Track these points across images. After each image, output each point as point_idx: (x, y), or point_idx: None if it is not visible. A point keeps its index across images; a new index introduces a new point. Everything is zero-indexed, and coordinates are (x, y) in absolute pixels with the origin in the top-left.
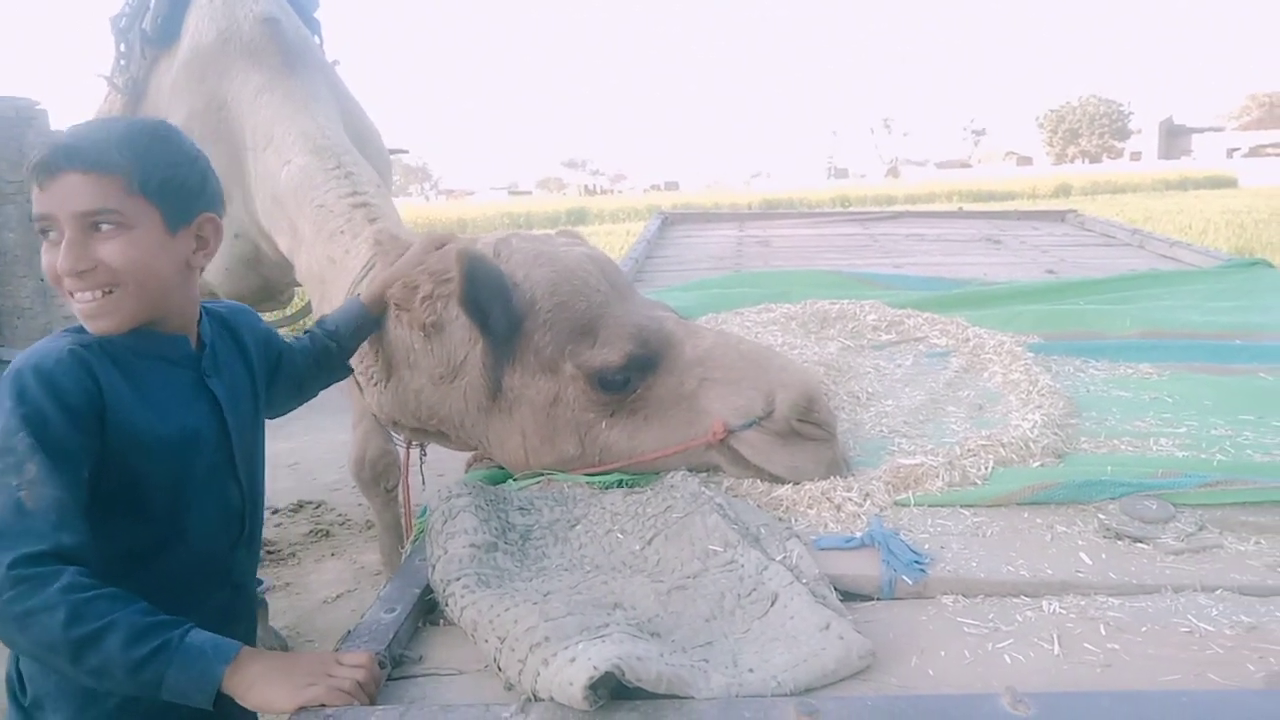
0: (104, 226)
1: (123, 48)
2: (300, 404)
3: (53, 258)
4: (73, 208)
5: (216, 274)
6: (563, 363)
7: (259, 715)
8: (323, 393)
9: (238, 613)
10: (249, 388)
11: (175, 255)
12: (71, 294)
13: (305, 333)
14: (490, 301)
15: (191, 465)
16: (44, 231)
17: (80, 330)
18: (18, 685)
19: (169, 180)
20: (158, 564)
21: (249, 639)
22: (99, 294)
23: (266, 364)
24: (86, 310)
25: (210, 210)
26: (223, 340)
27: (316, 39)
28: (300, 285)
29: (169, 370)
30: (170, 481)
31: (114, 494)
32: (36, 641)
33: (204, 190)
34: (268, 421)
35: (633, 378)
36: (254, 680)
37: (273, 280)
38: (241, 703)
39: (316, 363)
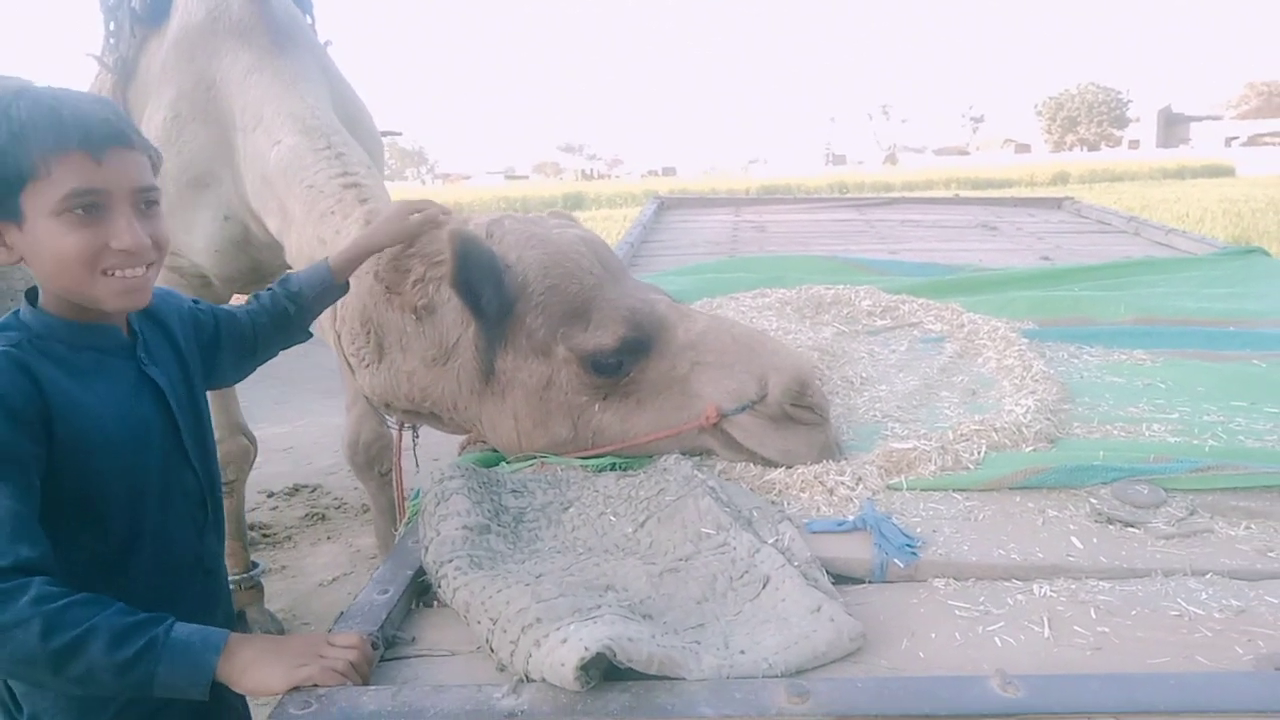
0: (150, 204)
1: (112, 26)
2: (255, 367)
3: (95, 235)
4: (134, 184)
5: (207, 256)
6: (555, 345)
7: (247, 699)
8: (317, 376)
9: (214, 598)
10: (181, 372)
11: None
12: (110, 272)
13: (266, 290)
14: (482, 283)
15: (145, 457)
16: (89, 207)
17: (3, 328)
18: (11, 702)
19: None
20: (132, 564)
21: (228, 623)
22: (143, 269)
23: (199, 342)
24: (131, 285)
25: None
26: (148, 327)
27: (308, 19)
28: (291, 267)
29: (108, 361)
30: (127, 476)
31: (73, 501)
32: (12, 658)
33: None
34: (261, 407)
35: (625, 361)
36: (246, 665)
37: (263, 262)
38: (235, 688)
39: (271, 324)
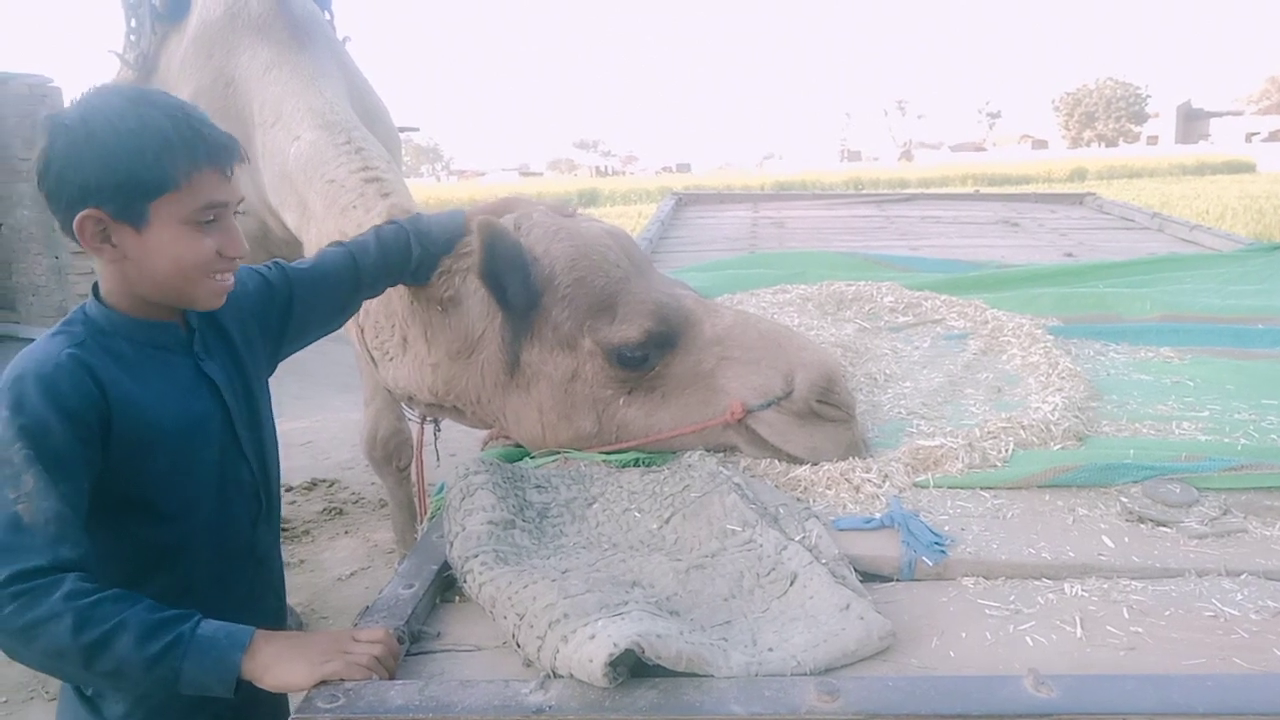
0: (237, 213)
1: (133, 23)
2: (359, 306)
3: (213, 241)
4: (239, 197)
5: None
6: (581, 339)
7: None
8: (335, 372)
9: (264, 587)
10: (236, 366)
11: None
12: (215, 275)
13: (389, 224)
14: (509, 275)
15: (202, 452)
16: (211, 220)
17: (68, 325)
18: None
19: None
20: (188, 553)
21: (280, 612)
22: (232, 274)
23: (268, 317)
24: (225, 287)
25: None
26: (203, 322)
27: (326, 15)
28: None
29: (166, 358)
30: (184, 472)
31: (131, 497)
32: (44, 651)
33: None
34: (279, 402)
35: (651, 355)
36: (270, 662)
37: (280, 258)
38: (259, 685)
39: (384, 263)
